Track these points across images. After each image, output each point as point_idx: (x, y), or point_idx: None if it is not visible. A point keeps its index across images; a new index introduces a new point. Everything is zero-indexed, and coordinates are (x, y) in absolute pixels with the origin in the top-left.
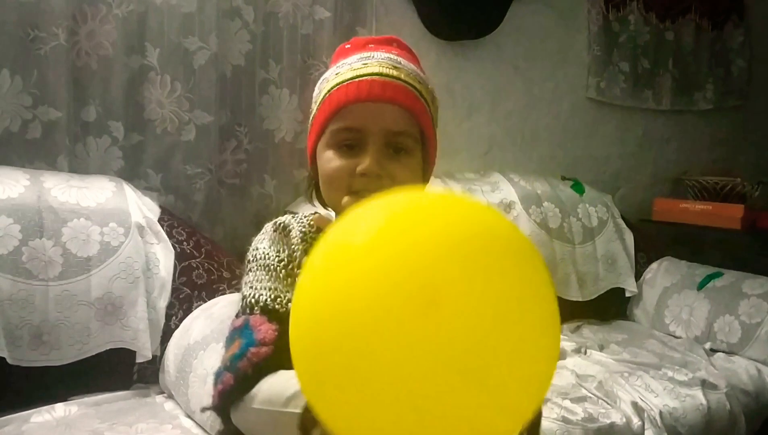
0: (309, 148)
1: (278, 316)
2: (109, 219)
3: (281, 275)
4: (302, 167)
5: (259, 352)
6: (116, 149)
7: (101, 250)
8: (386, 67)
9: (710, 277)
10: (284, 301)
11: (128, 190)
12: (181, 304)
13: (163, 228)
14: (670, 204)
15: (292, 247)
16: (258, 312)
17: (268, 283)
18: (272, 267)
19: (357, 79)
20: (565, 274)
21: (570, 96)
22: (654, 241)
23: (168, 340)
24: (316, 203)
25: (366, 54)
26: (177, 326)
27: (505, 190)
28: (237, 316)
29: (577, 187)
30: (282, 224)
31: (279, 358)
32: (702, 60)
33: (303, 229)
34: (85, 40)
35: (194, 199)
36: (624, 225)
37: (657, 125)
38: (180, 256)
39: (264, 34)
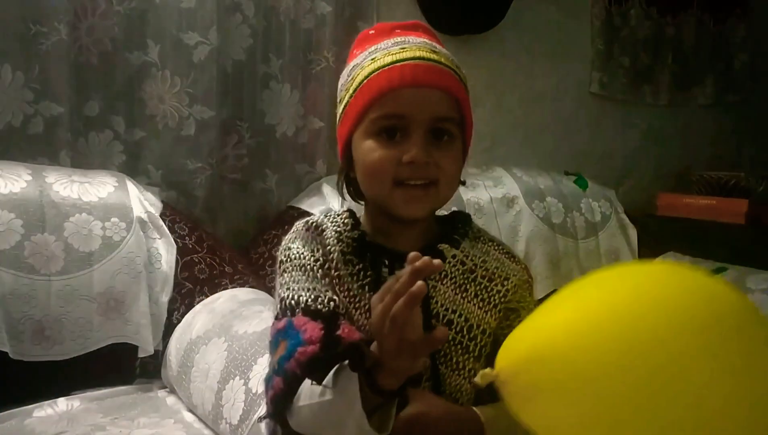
0: (340, 139)
1: (322, 316)
2: (111, 214)
3: (318, 275)
4: (304, 162)
5: (306, 350)
6: (118, 144)
7: (103, 245)
8: (426, 52)
9: (714, 272)
10: (326, 301)
11: (130, 185)
12: (183, 299)
13: (164, 223)
14: (673, 199)
15: (327, 247)
16: (300, 313)
17: (306, 284)
18: (308, 267)
19: (398, 64)
20: (568, 269)
21: (573, 90)
22: (657, 236)
23: (170, 335)
24: (347, 196)
25: (400, 39)
26: (179, 321)
27: (508, 184)
28: (277, 318)
29: (581, 182)
30: (314, 223)
31: (326, 356)
32: (702, 55)
33: (338, 229)
34: (86, 35)
35: (196, 194)
36: (627, 220)
37: (660, 120)
38: (182, 251)
39: (265, 29)
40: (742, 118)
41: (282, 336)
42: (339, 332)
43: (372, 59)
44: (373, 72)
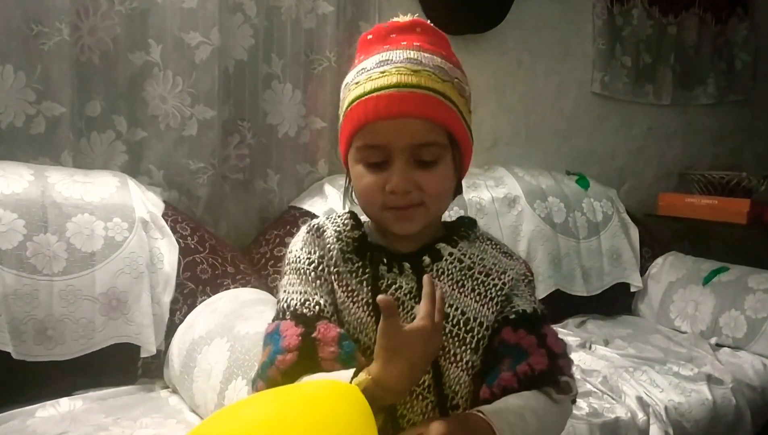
0: (342, 153)
1: (305, 320)
2: (113, 214)
3: (310, 278)
4: (306, 162)
5: (285, 359)
6: (120, 144)
7: (105, 245)
8: (405, 75)
9: (716, 272)
10: (312, 304)
11: (132, 185)
12: (186, 299)
13: (167, 223)
14: (675, 198)
15: (327, 246)
16: (288, 317)
17: (299, 287)
18: (302, 270)
19: (375, 94)
20: (569, 269)
21: (575, 90)
22: (659, 235)
23: (172, 335)
24: (354, 203)
25: (384, 56)
26: (181, 321)
27: (510, 184)
28: (273, 320)
29: (582, 182)
30: (316, 226)
31: (304, 362)
32: (704, 54)
33: (338, 229)
34: (87, 35)
35: (198, 194)
36: (629, 220)
37: (662, 120)
38: (184, 251)
39: (267, 29)
40: (744, 118)
41: (268, 339)
42: (315, 334)
43: (356, 83)
44: (355, 99)
